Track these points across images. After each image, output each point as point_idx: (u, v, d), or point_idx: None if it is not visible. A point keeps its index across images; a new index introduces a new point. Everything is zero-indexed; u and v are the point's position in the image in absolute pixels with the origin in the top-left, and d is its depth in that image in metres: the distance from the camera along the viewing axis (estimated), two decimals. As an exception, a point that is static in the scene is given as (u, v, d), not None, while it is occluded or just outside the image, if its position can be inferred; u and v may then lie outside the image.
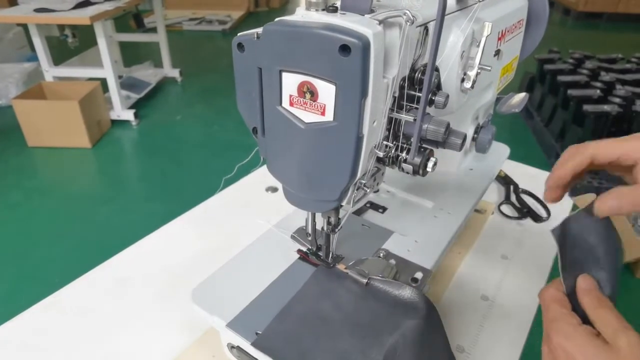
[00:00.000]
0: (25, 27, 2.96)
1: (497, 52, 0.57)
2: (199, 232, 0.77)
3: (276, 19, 0.36)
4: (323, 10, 0.35)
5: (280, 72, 0.36)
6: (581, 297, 0.37)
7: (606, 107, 2.17)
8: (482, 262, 0.69)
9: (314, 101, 0.36)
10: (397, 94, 0.39)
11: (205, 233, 0.77)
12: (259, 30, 0.37)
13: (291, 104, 0.37)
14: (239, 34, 0.39)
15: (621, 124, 2.26)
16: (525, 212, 0.81)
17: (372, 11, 0.36)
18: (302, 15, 0.36)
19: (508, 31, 0.59)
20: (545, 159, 2.50)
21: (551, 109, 2.65)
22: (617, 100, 2.22)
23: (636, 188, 0.35)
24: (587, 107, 2.19)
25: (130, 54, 3.78)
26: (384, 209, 0.63)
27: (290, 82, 0.36)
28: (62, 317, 0.61)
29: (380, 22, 0.34)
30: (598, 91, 2.33)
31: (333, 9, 0.35)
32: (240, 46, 0.39)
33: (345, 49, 0.32)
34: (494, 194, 0.87)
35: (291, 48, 0.35)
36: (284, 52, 0.35)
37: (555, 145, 2.46)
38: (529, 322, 0.61)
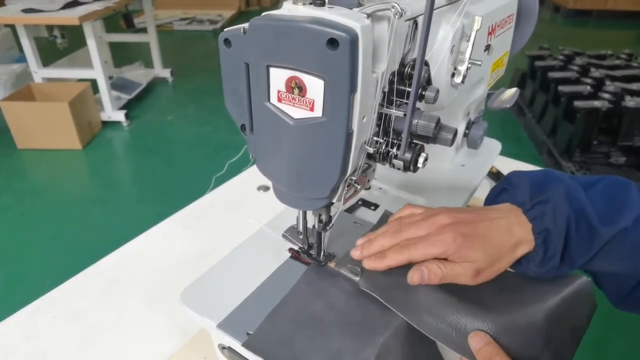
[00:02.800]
0: (13, 27, 2.93)
1: (488, 47, 0.56)
2: (189, 232, 0.76)
3: (263, 14, 0.36)
4: (310, 4, 0.35)
5: (268, 67, 0.36)
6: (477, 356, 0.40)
7: (596, 103, 2.19)
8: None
9: (302, 97, 0.35)
10: (386, 89, 0.39)
11: (196, 233, 0.76)
12: (246, 25, 0.36)
13: (279, 100, 0.37)
14: (225, 29, 0.38)
15: (611, 119, 2.28)
16: (517, 207, 0.81)
17: (360, 4, 0.35)
18: (289, 9, 0.35)
19: (498, 26, 0.58)
20: (537, 155, 2.52)
21: (542, 105, 2.67)
22: (607, 96, 2.24)
23: (445, 265, 0.42)
24: (578, 103, 2.20)
25: (121, 55, 3.75)
26: (376, 206, 0.62)
27: (278, 77, 0.36)
28: (52, 320, 0.60)
29: (369, 15, 0.34)
30: (588, 87, 2.34)
31: (320, 3, 0.35)
32: (226, 42, 0.38)
33: (333, 42, 0.31)
34: (486, 190, 0.87)
35: (278, 43, 0.34)
36: (271, 47, 0.34)
37: (547, 141, 2.48)
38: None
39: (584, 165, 2.28)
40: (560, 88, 2.37)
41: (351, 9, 0.34)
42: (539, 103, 2.72)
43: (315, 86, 0.34)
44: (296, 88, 0.35)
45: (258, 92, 0.38)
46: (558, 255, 0.42)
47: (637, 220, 0.41)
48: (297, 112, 0.36)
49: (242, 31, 0.36)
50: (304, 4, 0.35)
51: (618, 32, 5.13)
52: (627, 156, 2.26)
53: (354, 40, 0.31)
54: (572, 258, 0.43)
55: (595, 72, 2.54)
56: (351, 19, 0.32)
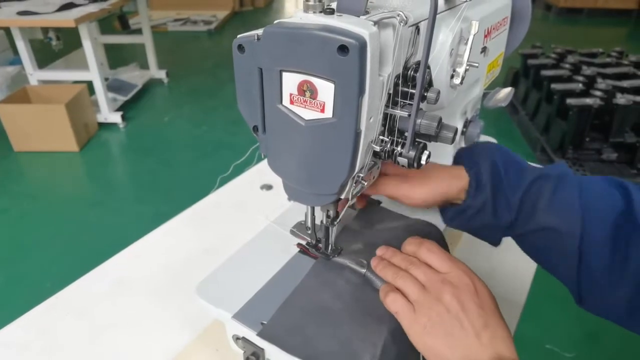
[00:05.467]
0: (7, 30, 2.92)
1: (484, 49, 0.59)
2: (196, 231, 0.78)
3: (275, 21, 0.38)
4: (320, 12, 0.37)
5: (281, 72, 0.38)
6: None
7: (588, 101, 2.22)
8: (473, 253, 0.72)
9: (313, 99, 0.38)
10: (391, 91, 0.41)
11: (202, 232, 0.78)
12: (259, 32, 0.38)
13: (291, 102, 0.39)
14: (239, 36, 0.41)
15: (603, 116, 2.32)
16: (513, 203, 0.83)
17: (366, 12, 0.37)
18: (300, 17, 0.37)
19: (493, 28, 0.61)
20: (531, 152, 2.56)
21: (535, 103, 2.71)
22: (599, 93, 2.28)
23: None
24: (570, 101, 2.24)
25: (116, 56, 3.75)
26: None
27: (291, 81, 0.38)
28: (64, 319, 0.62)
29: (375, 23, 0.36)
30: (580, 85, 2.38)
31: (330, 11, 0.37)
32: (240, 47, 0.40)
33: (343, 49, 0.34)
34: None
35: (291, 49, 0.36)
36: (284, 53, 0.37)
37: (540, 138, 2.51)
38: (519, 307, 0.63)
39: (576, 161, 2.32)
40: (553, 86, 2.41)
41: (359, 16, 0.37)
42: (532, 101, 2.76)
43: (326, 89, 0.37)
44: (308, 91, 0.37)
45: (271, 95, 0.40)
46: (488, 185, 0.50)
47: (561, 178, 0.48)
48: (308, 114, 0.39)
49: (255, 38, 0.38)
50: (314, 12, 0.37)
51: (609, 29, 5.20)
52: (618, 152, 2.31)
53: (363, 46, 0.34)
54: (505, 194, 0.49)
55: (587, 70, 2.58)
56: (360, 27, 0.34)
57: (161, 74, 3.56)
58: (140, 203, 2.20)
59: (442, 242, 0.58)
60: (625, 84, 2.38)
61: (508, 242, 0.69)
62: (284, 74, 0.38)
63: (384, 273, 0.47)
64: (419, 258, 0.47)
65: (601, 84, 2.38)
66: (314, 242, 0.53)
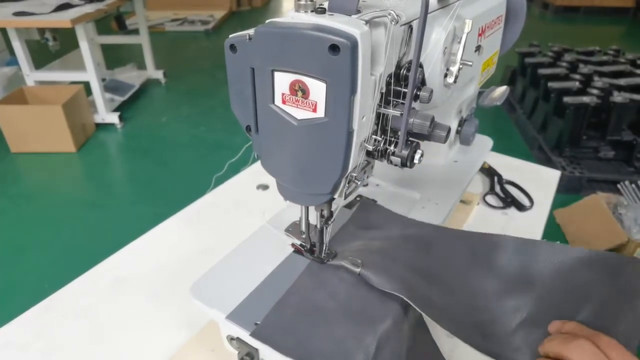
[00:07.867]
0: (3, 30, 2.91)
1: (478, 48, 0.59)
2: (192, 231, 0.78)
3: (267, 21, 0.38)
4: (312, 11, 0.37)
5: (273, 71, 0.38)
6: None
7: (585, 99, 2.22)
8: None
9: (305, 99, 0.38)
10: (384, 90, 0.41)
11: (199, 231, 0.78)
12: (251, 31, 0.38)
13: (283, 102, 0.39)
14: (230, 36, 0.41)
15: (599, 114, 2.32)
16: (509, 201, 0.84)
17: (358, 11, 0.37)
18: (292, 16, 0.37)
19: (488, 27, 0.61)
20: (528, 150, 2.56)
21: (533, 101, 2.71)
22: (596, 91, 2.27)
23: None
24: (567, 99, 2.24)
25: (113, 56, 3.74)
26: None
27: (283, 81, 0.38)
28: (62, 318, 0.62)
29: (367, 22, 0.36)
30: (577, 83, 2.38)
31: (321, 10, 0.37)
32: (232, 47, 0.40)
33: (334, 48, 0.34)
34: (479, 185, 0.90)
35: (283, 48, 0.36)
36: (275, 53, 0.37)
37: (538, 136, 2.52)
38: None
39: (574, 159, 2.32)
40: (550, 84, 2.41)
41: (350, 15, 0.37)
42: (530, 99, 2.76)
43: (317, 89, 0.37)
44: (300, 91, 0.37)
45: (263, 95, 0.40)
46: None
47: None
48: (300, 113, 0.39)
49: (247, 37, 0.38)
50: (305, 11, 0.37)
51: (606, 28, 5.21)
52: (615, 150, 2.31)
53: (354, 45, 0.34)
54: None
55: (584, 68, 2.58)
56: (351, 26, 0.34)
57: (158, 74, 3.55)
58: (138, 203, 2.19)
59: None
60: (622, 82, 2.38)
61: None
62: (276, 74, 0.38)
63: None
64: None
65: (598, 82, 2.38)
66: (308, 246, 0.53)
